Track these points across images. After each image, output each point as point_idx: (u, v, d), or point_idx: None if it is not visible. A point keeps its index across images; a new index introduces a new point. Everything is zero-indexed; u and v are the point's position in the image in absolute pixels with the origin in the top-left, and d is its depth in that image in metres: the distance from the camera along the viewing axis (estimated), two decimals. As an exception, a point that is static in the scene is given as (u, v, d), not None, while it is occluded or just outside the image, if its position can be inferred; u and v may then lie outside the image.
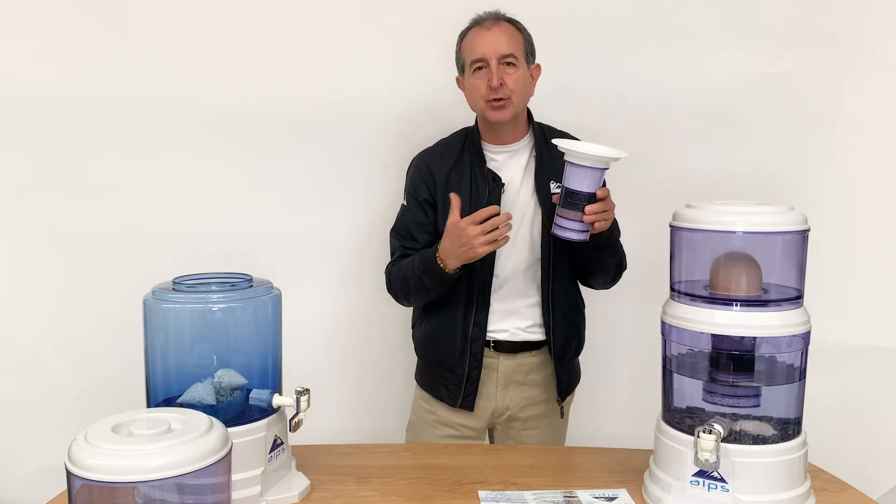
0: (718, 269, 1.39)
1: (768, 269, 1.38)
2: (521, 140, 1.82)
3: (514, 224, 1.77)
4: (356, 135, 2.20)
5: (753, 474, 1.31)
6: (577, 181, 1.54)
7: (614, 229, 1.74)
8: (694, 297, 1.40)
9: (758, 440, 1.35)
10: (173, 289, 1.42)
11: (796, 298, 1.39)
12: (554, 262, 1.79)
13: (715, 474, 1.33)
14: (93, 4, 2.10)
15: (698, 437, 1.30)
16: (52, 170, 2.14)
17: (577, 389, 1.96)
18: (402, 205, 1.86)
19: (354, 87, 2.17)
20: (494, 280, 1.79)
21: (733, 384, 1.38)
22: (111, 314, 2.12)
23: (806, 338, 1.38)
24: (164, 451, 1.05)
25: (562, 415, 1.90)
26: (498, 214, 1.61)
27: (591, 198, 1.55)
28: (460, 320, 1.79)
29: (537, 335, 1.82)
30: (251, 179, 2.20)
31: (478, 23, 1.76)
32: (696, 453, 1.30)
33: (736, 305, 1.35)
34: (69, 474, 1.04)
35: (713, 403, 1.39)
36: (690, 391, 1.43)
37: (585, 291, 1.92)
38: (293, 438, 1.47)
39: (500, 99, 1.71)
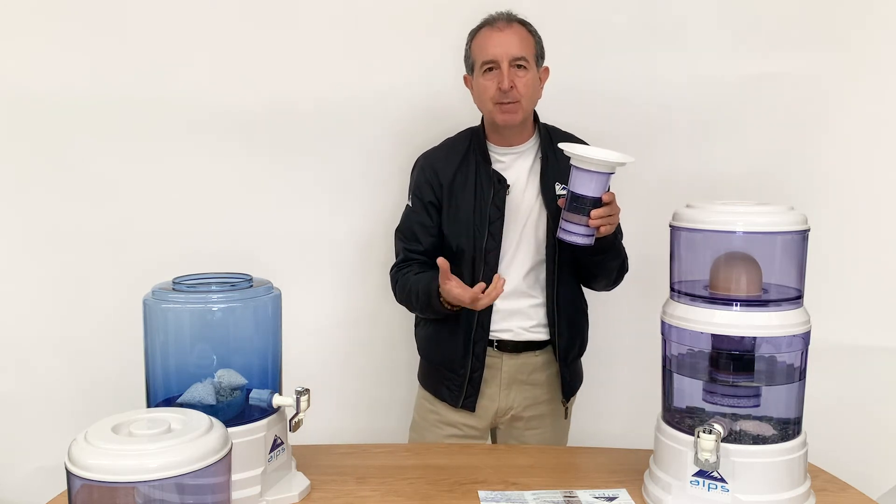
0: (718, 269, 1.39)
1: (768, 269, 1.38)
2: (527, 142, 1.82)
3: (518, 225, 1.78)
4: (357, 135, 2.20)
5: (753, 474, 1.31)
6: (583, 185, 1.54)
7: (618, 232, 1.74)
8: (694, 297, 1.40)
9: (758, 440, 1.35)
10: (173, 289, 1.42)
11: (796, 298, 1.39)
12: (559, 264, 1.79)
13: (715, 474, 1.33)
14: (93, 5, 2.09)
15: (698, 437, 1.30)
16: (52, 170, 2.14)
17: (579, 390, 1.96)
18: (407, 205, 1.86)
19: (356, 87, 2.16)
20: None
21: (733, 384, 1.38)
22: (111, 314, 2.12)
23: (806, 338, 1.38)
24: (164, 451, 1.05)
25: (566, 415, 1.90)
26: (484, 290, 1.58)
27: (597, 202, 1.55)
28: (463, 321, 1.79)
29: (541, 335, 1.82)
30: (251, 179, 2.19)
31: (490, 23, 1.75)
32: (696, 453, 1.31)
33: (736, 305, 1.35)
34: (69, 474, 1.04)
35: (713, 403, 1.39)
36: (690, 391, 1.43)
37: (587, 292, 1.92)
38: (293, 438, 1.47)
39: (510, 102, 1.70)
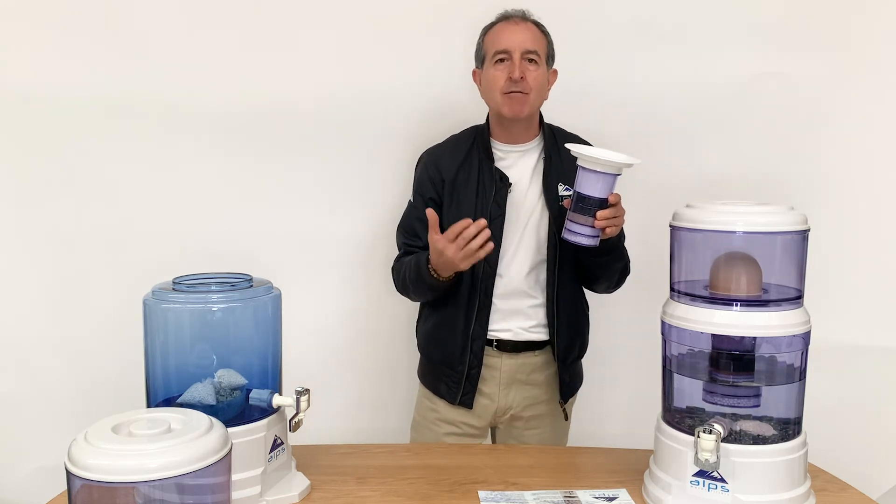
0: (718, 269, 1.39)
1: (768, 269, 1.38)
2: (532, 141, 1.82)
3: (519, 224, 1.78)
4: (357, 135, 2.19)
5: (753, 474, 1.31)
6: (590, 186, 1.54)
7: (620, 235, 1.74)
8: (694, 297, 1.40)
9: (758, 440, 1.35)
10: (173, 289, 1.42)
11: (796, 298, 1.39)
12: (560, 264, 1.79)
13: (715, 474, 1.33)
14: (93, 5, 2.09)
15: (698, 437, 1.30)
16: (52, 170, 2.14)
17: (578, 391, 1.96)
18: (410, 201, 1.87)
19: (356, 87, 2.16)
20: (498, 279, 1.79)
21: (733, 384, 1.38)
22: (111, 314, 2.12)
23: (806, 338, 1.38)
24: (164, 451, 1.05)
25: (566, 417, 1.90)
26: (469, 226, 1.57)
27: (603, 203, 1.55)
28: (462, 318, 1.79)
29: (541, 335, 1.82)
30: (251, 179, 2.19)
31: (505, 17, 1.78)
32: (697, 453, 1.31)
33: (736, 305, 1.35)
34: (69, 474, 1.04)
35: (713, 403, 1.39)
36: (690, 391, 1.43)
37: (588, 294, 1.92)
38: (293, 438, 1.47)
39: (519, 93, 1.71)
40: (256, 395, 1.39)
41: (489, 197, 1.76)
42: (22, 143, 2.12)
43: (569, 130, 1.87)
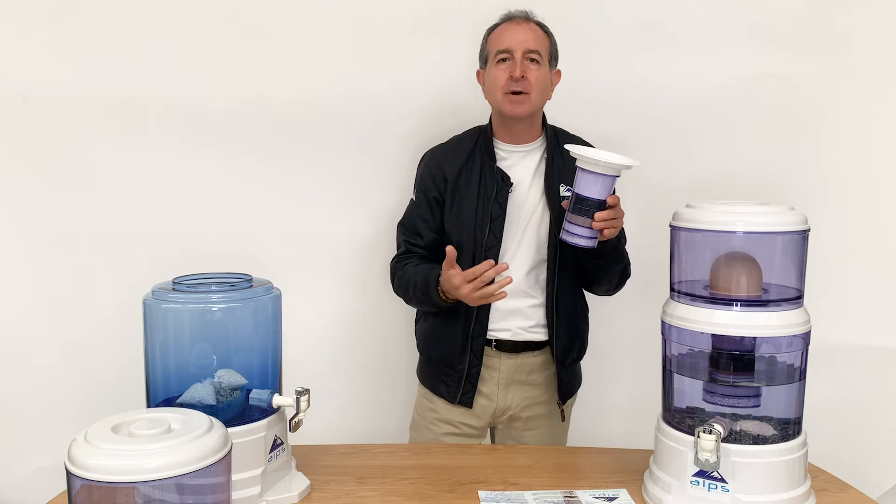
0: (718, 269, 1.39)
1: (768, 269, 1.38)
2: (535, 141, 1.83)
3: (520, 224, 1.78)
4: (357, 135, 2.19)
5: (753, 474, 1.32)
6: (588, 187, 1.54)
7: (620, 237, 1.74)
8: (694, 298, 1.40)
9: (758, 440, 1.35)
10: (173, 289, 1.42)
11: (796, 298, 1.39)
12: (560, 265, 1.79)
13: (715, 474, 1.33)
14: (94, 5, 2.09)
15: (698, 437, 1.30)
16: (52, 169, 2.13)
17: (579, 390, 1.96)
18: (412, 199, 1.87)
19: (356, 88, 2.16)
20: (498, 278, 1.78)
21: (733, 384, 1.38)
22: (111, 314, 2.12)
23: (806, 338, 1.38)
24: (164, 451, 1.05)
25: (563, 418, 1.90)
26: (488, 270, 1.56)
27: (602, 204, 1.55)
28: (462, 317, 1.79)
29: (540, 335, 1.82)
30: (251, 179, 2.19)
31: (509, 18, 1.80)
32: (697, 453, 1.31)
33: (736, 305, 1.35)
34: (69, 474, 1.04)
35: (713, 403, 1.39)
36: (690, 391, 1.43)
37: (588, 295, 1.92)
38: (293, 438, 1.47)
39: (520, 93, 1.71)
40: (256, 396, 1.39)
41: (490, 196, 1.76)
42: (22, 142, 2.12)
43: (571, 132, 1.87)
